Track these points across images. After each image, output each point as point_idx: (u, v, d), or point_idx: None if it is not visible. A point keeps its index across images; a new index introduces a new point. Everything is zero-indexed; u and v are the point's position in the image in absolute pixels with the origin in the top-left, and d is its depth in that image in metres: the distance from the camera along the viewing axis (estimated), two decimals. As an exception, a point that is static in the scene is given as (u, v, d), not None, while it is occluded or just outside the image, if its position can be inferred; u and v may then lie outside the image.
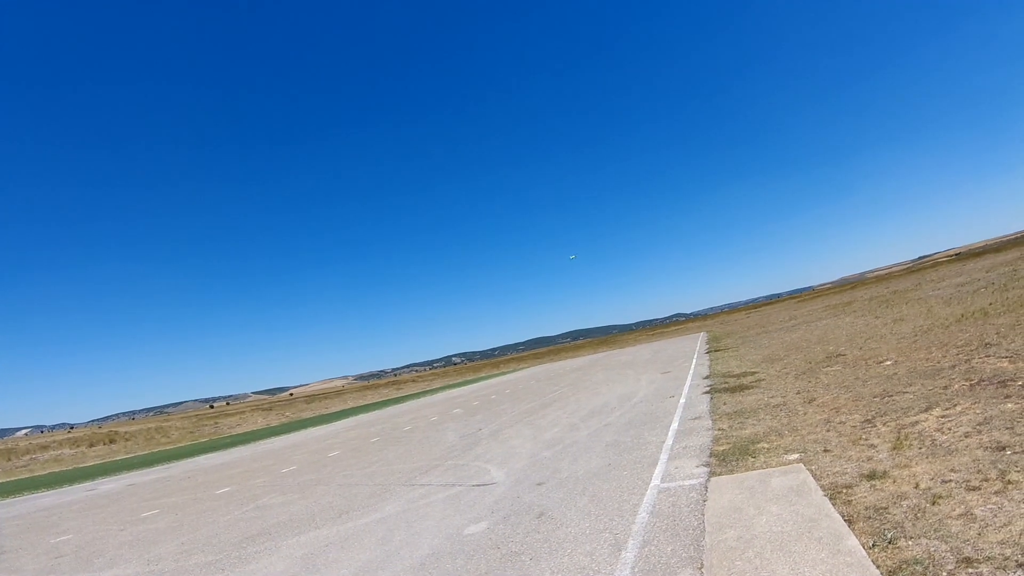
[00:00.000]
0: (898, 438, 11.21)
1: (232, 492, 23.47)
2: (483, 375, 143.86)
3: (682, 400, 23.59)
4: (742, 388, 23.13)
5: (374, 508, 15.05)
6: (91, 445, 79.62)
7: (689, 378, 32.01)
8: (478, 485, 15.39)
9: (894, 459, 10.06)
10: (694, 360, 44.62)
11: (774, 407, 17.58)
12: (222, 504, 20.72)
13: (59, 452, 75.37)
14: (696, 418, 18.57)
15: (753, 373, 27.65)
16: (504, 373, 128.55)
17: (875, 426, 12.63)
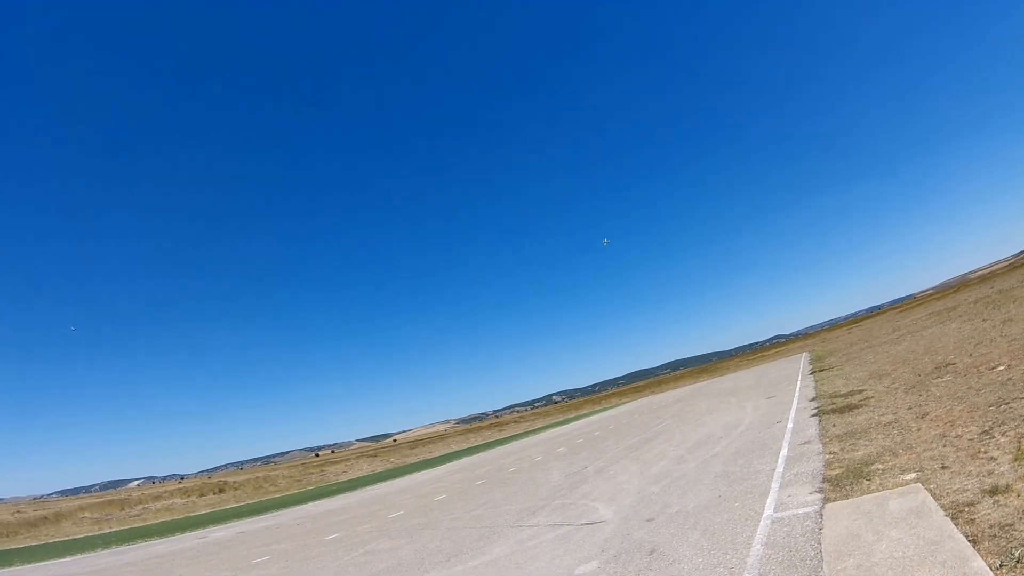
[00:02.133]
0: (1019, 448, 10.63)
1: (340, 538, 23.73)
2: (584, 412, 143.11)
3: (790, 425, 22.97)
4: (850, 408, 22.38)
5: (483, 551, 15.00)
6: (201, 495, 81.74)
7: (795, 401, 31.18)
8: (586, 524, 15.20)
9: (1017, 471, 9.54)
10: (798, 382, 43.50)
11: (885, 425, 16.93)
12: (331, 550, 20.95)
13: (170, 502, 77.53)
14: (805, 442, 18.04)
15: (860, 391, 26.75)
16: (605, 409, 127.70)
17: (993, 437, 12.02)
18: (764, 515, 11.49)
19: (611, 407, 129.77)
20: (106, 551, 37.22)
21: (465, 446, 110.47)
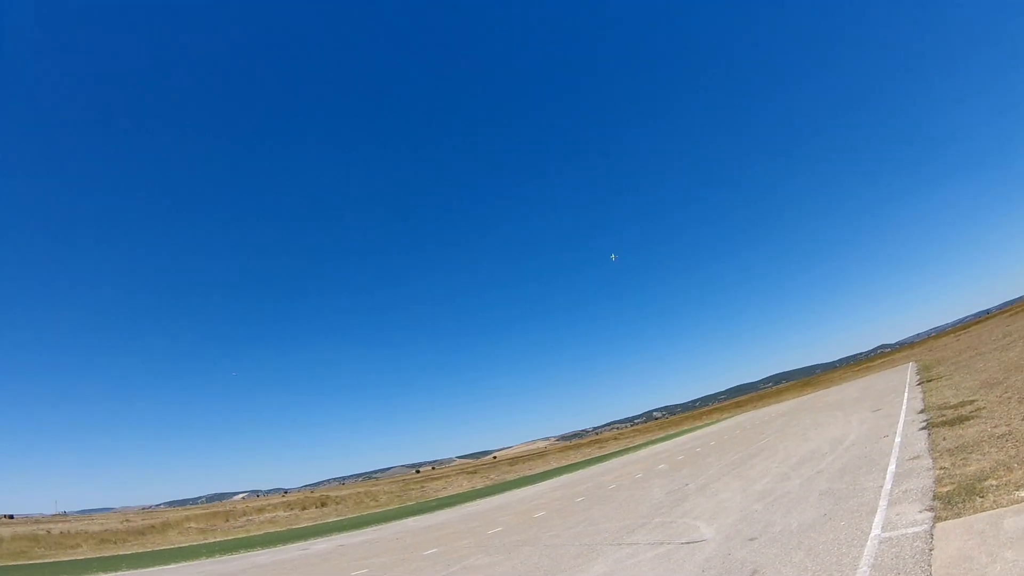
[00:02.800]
0: None
1: (438, 553, 23.88)
2: (685, 428, 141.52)
3: (897, 439, 22.21)
4: (961, 420, 21.46)
5: (581, 569, 14.89)
6: (304, 508, 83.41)
7: (902, 414, 30.14)
8: (687, 543, 14.95)
9: None
10: (905, 394, 42.06)
11: (999, 438, 16.17)
12: (428, 564, 21.11)
13: (274, 515, 79.29)
14: (914, 457, 17.39)
15: (971, 402, 25.66)
16: (707, 424, 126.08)
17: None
18: (871, 535, 11.10)
19: (712, 423, 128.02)
20: (209, 560, 38.34)
21: (565, 463, 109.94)
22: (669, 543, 15.46)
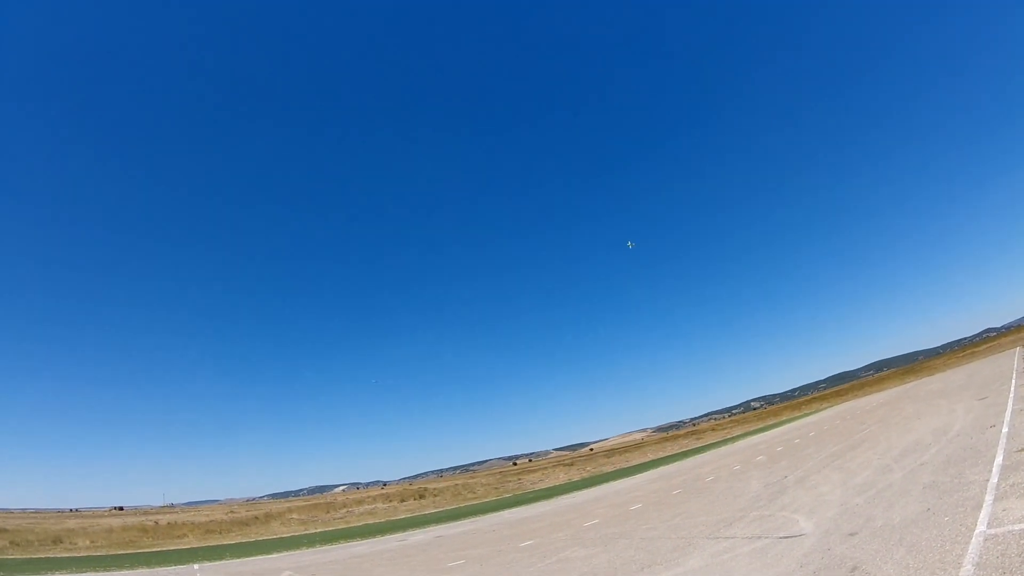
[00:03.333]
0: None
1: (535, 545, 24.11)
2: (784, 418, 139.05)
3: (1004, 429, 21.49)
4: (1076, 411, 20.66)
5: (676, 562, 14.89)
6: (402, 500, 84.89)
7: (1010, 403, 29.13)
8: (785, 537, 14.80)
9: None
10: (1013, 381, 40.59)
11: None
12: (524, 556, 21.33)
13: (373, 506, 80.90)
14: (1023, 450, 16.82)
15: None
16: (806, 415, 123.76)
17: None
18: (976, 531, 10.82)
19: (812, 412, 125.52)
20: (310, 550, 39.41)
21: (661, 455, 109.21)
22: (767, 537, 15.33)
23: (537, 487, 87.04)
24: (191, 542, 55.04)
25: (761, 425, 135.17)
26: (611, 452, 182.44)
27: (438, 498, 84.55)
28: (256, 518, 74.03)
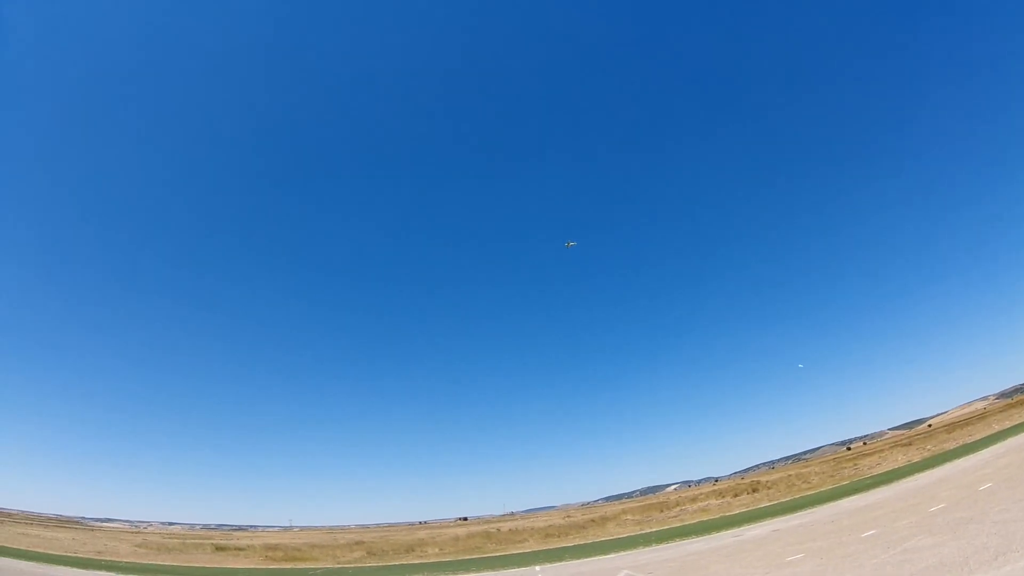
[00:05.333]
0: None
1: (877, 535, 22.96)
2: None
3: None
4: None
5: (1037, 549, 13.50)
6: (735, 495, 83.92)
7: None
8: None
9: None
10: None
11: None
12: (866, 548, 20.38)
13: (706, 503, 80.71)
14: None
15: None
16: None
17: None
18: None
19: None
20: (646, 549, 40.06)
21: (1008, 425, 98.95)
22: None
23: (874, 471, 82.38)
24: (531, 545, 58.10)
25: None
26: (951, 426, 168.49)
27: (772, 490, 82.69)
28: (592, 521, 76.64)
